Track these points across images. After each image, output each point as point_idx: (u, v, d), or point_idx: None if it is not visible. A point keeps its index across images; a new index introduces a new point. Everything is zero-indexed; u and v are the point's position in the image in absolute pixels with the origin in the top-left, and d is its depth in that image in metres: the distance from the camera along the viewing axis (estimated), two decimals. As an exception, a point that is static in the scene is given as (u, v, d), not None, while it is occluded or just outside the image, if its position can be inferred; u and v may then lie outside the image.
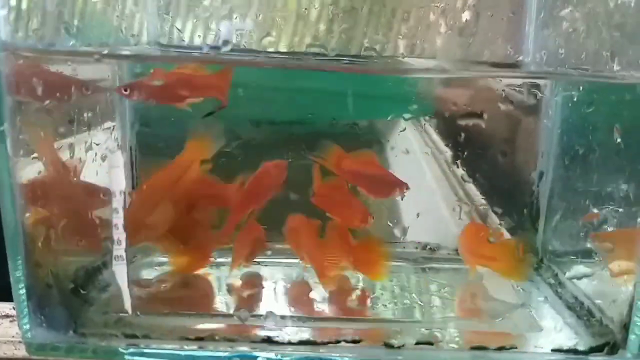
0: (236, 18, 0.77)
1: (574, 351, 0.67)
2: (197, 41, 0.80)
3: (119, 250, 0.64)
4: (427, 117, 0.90)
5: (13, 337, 0.76)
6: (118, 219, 0.63)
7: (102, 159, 0.70)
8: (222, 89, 0.75)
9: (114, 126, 0.78)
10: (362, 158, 0.81)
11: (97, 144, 0.71)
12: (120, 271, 0.65)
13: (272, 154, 0.83)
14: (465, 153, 0.90)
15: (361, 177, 0.80)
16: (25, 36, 0.66)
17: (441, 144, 0.93)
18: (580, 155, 0.83)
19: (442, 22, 0.81)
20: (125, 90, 0.71)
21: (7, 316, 0.80)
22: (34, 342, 0.68)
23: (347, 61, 0.80)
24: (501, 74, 0.84)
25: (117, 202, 0.63)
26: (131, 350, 0.67)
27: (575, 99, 0.85)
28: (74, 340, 0.68)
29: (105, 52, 0.69)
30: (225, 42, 0.73)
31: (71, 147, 0.69)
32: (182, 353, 0.67)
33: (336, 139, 0.81)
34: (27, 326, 0.68)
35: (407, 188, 0.77)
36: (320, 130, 0.90)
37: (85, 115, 0.73)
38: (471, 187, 0.93)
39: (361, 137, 0.90)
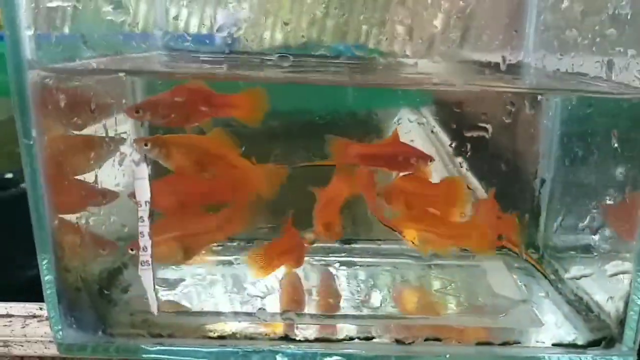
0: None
1: (573, 345, 0.71)
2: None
3: (145, 256, 0.68)
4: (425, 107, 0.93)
5: (42, 336, 0.80)
6: (144, 227, 0.67)
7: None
8: (248, 110, 0.73)
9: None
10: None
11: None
12: (146, 276, 0.69)
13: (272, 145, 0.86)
14: (468, 147, 0.93)
15: (375, 157, 0.81)
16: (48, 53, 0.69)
17: (443, 134, 0.96)
18: (580, 154, 0.87)
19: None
20: (137, 112, 0.69)
21: (34, 316, 0.84)
22: (64, 342, 0.73)
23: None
24: (501, 87, 0.86)
25: (143, 212, 0.67)
26: (157, 348, 0.71)
27: (574, 102, 0.89)
28: (102, 340, 0.73)
29: (128, 68, 0.72)
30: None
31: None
32: (204, 350, 0.71)
33: (337, 130, 0.83)
34: (59, 327, 0.72)
35: (432, 160, 0.78)
36: (321, 121, 0.93)
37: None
38: (474, 182, 0.97)
39: (362, 127, 0.94)
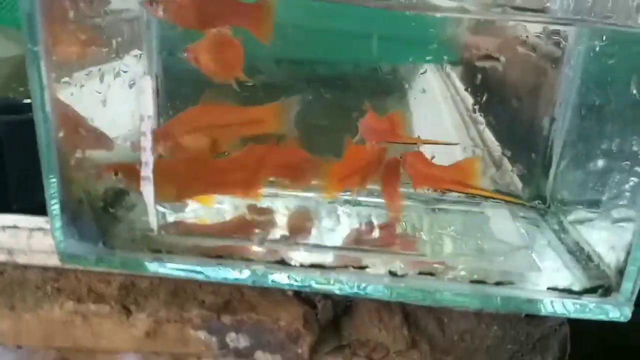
0: None
1: (568, 291, 0.71)
2: None
3: (147, 171, 0.69)
4: (448, 61, 0.92)
5: (46, 248, 0.82)
6: (146, 142, 0.67)
7: (129, 87, 0.74)
8: (258, 21, 0.71)
9: (141, 54, 0.81)
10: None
11: (125, 71, 0.75)
12: (147, 191, 0.70)
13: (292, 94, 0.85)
14: (484, 97, 0.92)
15: None
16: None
17: (462, 89, 0.95)
18: (597, 106, 0.85)
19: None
20: (151, 4, 0.67)
21: (40, 229, 0.85)
22: (66, 252, 0.74)
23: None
24: (525, 19, 0.84)
25: (145, 126, 0.67)
26: (155, 263, 0.73)
27: (597, 49, 0.86)
28: (103, 252, 0.74)
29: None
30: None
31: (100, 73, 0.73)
32: (201, 267, 0.72)
33: (358, 83, 0.82)
34: (60, 237, 0.74)
35: None
36: (342, 73, 0.92)
37: (113, 41, 0.76)
38: (488, 134, 0.96)
39: (383, 81, 0.92)
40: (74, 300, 0.79)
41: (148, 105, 0.66)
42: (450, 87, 0.97)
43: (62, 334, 0.79)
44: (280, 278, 0.71)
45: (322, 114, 0.87)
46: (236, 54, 0.72)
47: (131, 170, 0.70)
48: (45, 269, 0.82)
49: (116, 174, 0.70)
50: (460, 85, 0.96)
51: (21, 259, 0.83)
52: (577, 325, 0.79)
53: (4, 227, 0.85)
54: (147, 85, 0.66)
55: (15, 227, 0.85)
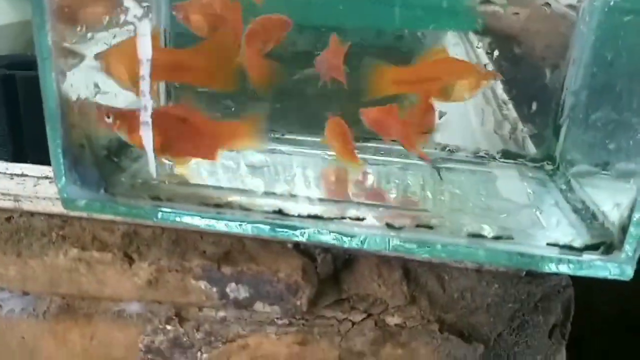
0: None
1: (569, 247, 0.70)
2: None
3: (145, 116, 0.69)
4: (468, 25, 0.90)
5: (51, 195, 0.83)
6: (145, 86, 0.67)
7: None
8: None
9: (148, 5, 0.81)
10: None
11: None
12: (146, 137, 0.70)
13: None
14: (496, 53, 0.90)
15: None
16: None
17: (484, 56, 0.93)
18: (610, 65, 0.82)
19: None
20: None
21: (46, 177, 0.86)
22: (69, 197, 0.75)
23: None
24: None
25: (144, 70, 0.66)
26: (159, 210, 0.73)
27: (612, 4, 0.83)
28: (105, 199, 0.75)
29: None
30: None
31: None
32: (200, 215, 0.72)
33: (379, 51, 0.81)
34: (63, 183, 0.74)
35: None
36: (362, 40, 0.91)
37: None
38: (501, 94, 0.94)
39: (404, 49, 0.90)
40: (79, 247, 0.81)
41: (147, 48, 0.66)
42: (467, 47, 0.96)
43: (67, 281, 0.80)
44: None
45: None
46: (235, 15, 0.72)
47: (126, 115, 0.70)
48: (50, 216, 0.84)
49: (108, 117, 0.70)
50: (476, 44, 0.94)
51: (27, 206, 0.84)
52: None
53: (12, 175, 0.87)
54: (146, 28, 0.65)
55: (23, 175, 0.87)
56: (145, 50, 0.65)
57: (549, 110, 0.93)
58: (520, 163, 0.94)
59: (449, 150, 0.97)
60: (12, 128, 1.04)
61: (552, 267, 0.68)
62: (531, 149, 0.95)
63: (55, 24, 0.66)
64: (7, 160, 0.93)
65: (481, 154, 0.96)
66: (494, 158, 0.95)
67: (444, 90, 0.78)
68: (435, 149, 0.97)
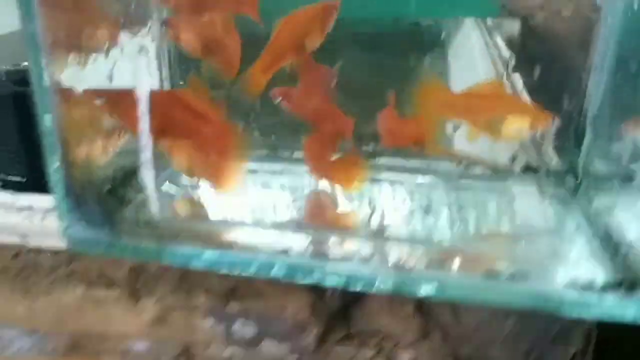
0: None
1: (589, 286, 0.66)
2: None
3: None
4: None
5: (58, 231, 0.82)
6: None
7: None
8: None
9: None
10: None
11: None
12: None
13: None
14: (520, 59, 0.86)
15: None
16: None
17: (504, 48, 0.88)
18: (634, 72, 0.77)
19: None
20: None
21: (54, 210, 0.85)
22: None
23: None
24: None
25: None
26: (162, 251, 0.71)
27: (635, 7, 0.77)
28: (109, 240, 0.73)
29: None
30: None
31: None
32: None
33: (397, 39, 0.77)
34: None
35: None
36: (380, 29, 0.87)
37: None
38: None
39: (422, 38, 0.88)
40: (85, 284, 0.80)
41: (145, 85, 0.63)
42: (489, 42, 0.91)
43: (74, 319, 0.80)
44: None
45: (360, 72, 0.83)
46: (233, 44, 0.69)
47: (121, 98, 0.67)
48: (56, 253, 0.83)
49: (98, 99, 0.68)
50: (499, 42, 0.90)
51: (35, 241, 0.83)
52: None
53: (19, 209, 0.86)
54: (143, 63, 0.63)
55: (30, 208, 0.86)
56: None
57: (572, 120, 0.88)
58: (540, 177, 0.90)
59: (465, 164, 0.92)
60: (23, 147, 1.04)
61: (571, 312, 0.64)
62: (553, 160, 0.90)
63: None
64: (20, 179, 0.92)
65: (499, 167, 0.92)
66: (512, 172, 0.91)
67: (492, 124, 0.74)
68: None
